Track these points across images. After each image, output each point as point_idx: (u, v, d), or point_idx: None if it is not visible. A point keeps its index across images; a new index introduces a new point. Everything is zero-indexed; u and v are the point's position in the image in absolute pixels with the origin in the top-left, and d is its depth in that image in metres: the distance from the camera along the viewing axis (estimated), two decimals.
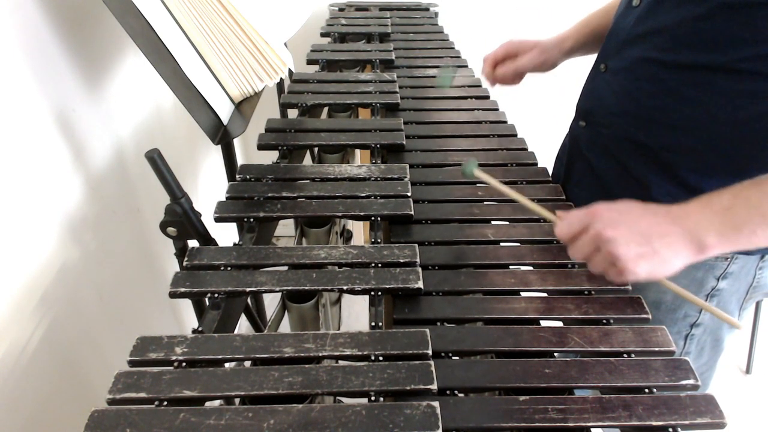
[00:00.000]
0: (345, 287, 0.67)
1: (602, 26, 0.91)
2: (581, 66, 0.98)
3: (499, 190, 0.74)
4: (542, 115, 1.75)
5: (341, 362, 0.58)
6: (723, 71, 0.69)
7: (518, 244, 0.78)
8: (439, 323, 0.65)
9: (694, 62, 0.71)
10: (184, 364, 0.57)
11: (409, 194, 0.83)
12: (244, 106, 0.97)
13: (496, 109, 1.11)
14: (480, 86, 1.20)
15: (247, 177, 0.86)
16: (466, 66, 1.30)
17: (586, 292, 0.70)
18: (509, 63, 0.99)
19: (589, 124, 0.89)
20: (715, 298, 0.84)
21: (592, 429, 0.54)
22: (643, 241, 0.60)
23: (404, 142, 0.96)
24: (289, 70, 1.08)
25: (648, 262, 0.60)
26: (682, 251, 0.60)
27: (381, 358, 0.58)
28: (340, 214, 0.80)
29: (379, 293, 0.67)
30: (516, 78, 1.01)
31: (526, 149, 0.99)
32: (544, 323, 0.66)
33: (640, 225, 0.61)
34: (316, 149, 1.17)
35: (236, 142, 1.10)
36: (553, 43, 0.99)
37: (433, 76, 1.25)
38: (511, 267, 0.74)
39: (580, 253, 0.63)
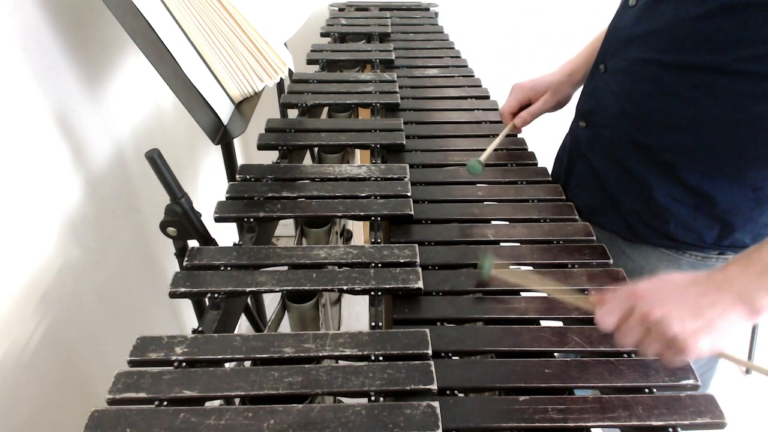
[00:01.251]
0: (345, 287, 0.67)
1: None
2: None
3: (530, 286, 0.69)
4: (542, 116, 1.75)
5: (341, 362, 0.58)
6: (722, 72, 0.69)
7: (518, 244, 0.78)
8: (439, 323, 0.65)
9: (693, 63, 0.71)
10: (184, 364, 0.57)
11: (409, 194, 0.83)
12: (244, 106, 0.97)
13: (496, 109, 1.11)
14: (480, 86, 1.20)
15: (247, 177, 0.86)
16: (466, 66, 1.30)
17: (585, 292, 0.70)
18: (524, 111, 0.98)
19: (589, 125, 0.89)
20: None
21: (592, 429, 0.54)
22: (697, 314, 0.56)
23: (404, 142, 0.96)
24: (289, 70, 1.08)
25: (706, 335, 0.55)
26: (736, 318, 0.56)
27: (381, 358, 0.58)
28: (340, 214, 0.80)
29: (379, 293, 0.67)
30: (533, 119, 1.00)
31: (526, 149, 0.99)
32: (544, 323, 0.66)
33: (688, 299, 0.57)
34: (316, 149, 1.17)
35: (236, 142, 1.10)
36: (563, 80, 0.98)
37: (434, 76, 1.25)
38: (511, 267, 0.74)
39: (630, 340, 0.58)
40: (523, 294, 0.70)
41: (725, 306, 0.56)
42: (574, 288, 0.67)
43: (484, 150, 0.98)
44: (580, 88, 0.94)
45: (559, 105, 1.00)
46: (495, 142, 0.93)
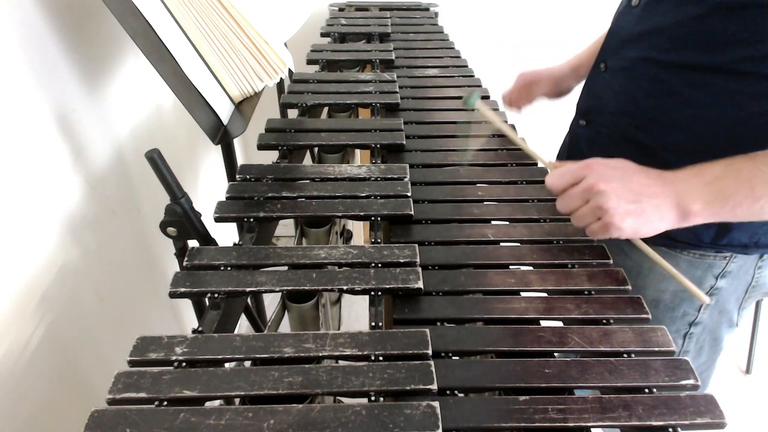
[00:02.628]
0: (345, 287, 0.67)
1: None
2: None
3: (498, 127, 0.75)
4: (542, 114, 1.75)
5: (341, 362, 0.58)
6: (722, 72, 0.69)
7: (518, 244, 0.78)
8: (439, 323, 0.65)
9: (692, 62, 0.71)
10: (184, 364, 0.57)
11: (409, 194, 0.83)
12: (244, 106, 0.97)
13: (496, 109, 1.11)
14: (480, 86, 1.20)
15: (247, 177, 0.86)
16: (466, 66, 1.30)
17: (586, 292, 0.70)
18: (525, 94, 1.03)
19: (589, 124, 0.89)
20: (713, 297, 0.84)
21: (592, 429, 0.54)
22: (634, 198, 0.61)
23: (404, 142, 0.96)
24: (289, 70, 1.08)
25: (634, 219, 0.61)
26: (667, 214, 0.62)
27: (381, 358, 0.58)
28: (340, 214, 0.80)
29: (379, 293, 0.67)
30: (530, 104, 1.04)
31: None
32: (544, 323, 0.66)
33: (633, 183, 0.62)
34: (316, 149, 1.17)
35: (236, 142, 1.10)
36: (567, 73, 1.01)
37: (434, 76, 1.25)
38: (511, 267, 0.74)
39: (568, 206, 0.65)
40: (523, 294, 0.70)
41: (662, 200, 0.61)
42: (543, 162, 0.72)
43: (484, 150, 0.99)
44: (581, 88, 0.94)
45: (560, 94, 1.03)
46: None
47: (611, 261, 0.74)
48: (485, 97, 1.16)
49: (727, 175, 0.61)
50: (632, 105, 0.79)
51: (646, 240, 0.82)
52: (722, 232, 0.78)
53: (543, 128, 1.31)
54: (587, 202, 0.63)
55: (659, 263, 0.69)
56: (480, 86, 1.20)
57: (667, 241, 0.82)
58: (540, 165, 0.88)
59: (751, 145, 0.71)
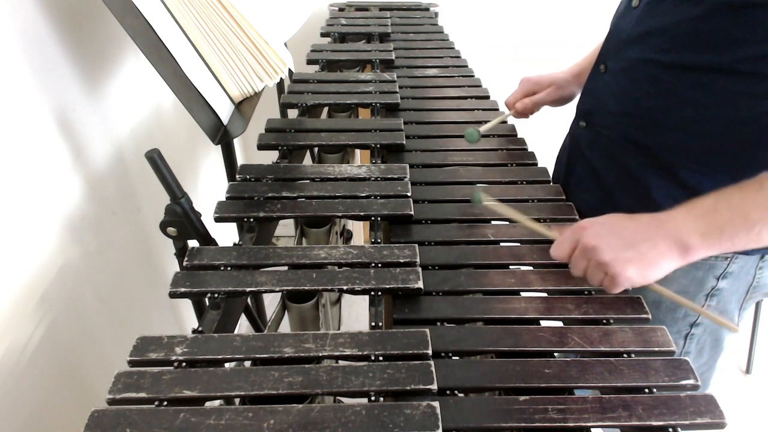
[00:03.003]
0: (345, 287, 0.67)
1: None
2: None
3: (508, 216, 0.76)
4: (542, 115, 1.75)
5: (341, 362, 0.58)
6: (722, 72, 0.69)
7: (518, 244, 0.78)
8: (439, 323, 0.65)
9: (692, 63, 0.71)
10: (184, 364, 0.57)
11: (409, 194, 0.83)
12: (244, 106, 0.97)
13: (496, 109, 1.11)
14: (480, 86, 1.20)
15: (247, 177, 0.86)
16: (466, 66, 1.30)
17: (586, 292, 0.70)
18: (527, 98, 1.03)
19: (589, 125, 0.89)
20: (715, 298, 0.84)
21: (592, 429, 0.54)
22: (628, 246, 0.62)
23: (404, 142, 0.96)
24: (289, 70, 1.08)
25: (636, 266, 0.62)
26: (667, 253, 0.62)
27: (381, 358, 0.58)
28: (340, 214, 0.80)
29: (379, 293, 0.67)
30: (534, 109, 1.04)
31: (526, 149, 0.99)
32: (544, 323, 0.66)
33: (624, 232, 0.63)
34: (316, 149, 1.17)
35: (236, 142, 1.10)
36: (569, 79, 1.01)
37: (434, 76, 1.25)
38: (511, 267, 0.74)
39: (577, 270, 0.66)
40: (523, 294, 0.70)
41: (659, 241, 0.62)
42: (547, 230, 0.73)
43: (483, 150, 0.99)
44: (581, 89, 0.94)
45: (562, 101, 1.03)
46: (496, 120, 0.98)
47: None
48: (484, 98, 1.16)
49: (719, 207, 0.62)
50: (632, 106, 0.79)
51: None
52: None
53: (543, 130, 1.31)
54: (590, 262, 0.64)
55: (685, 304, 0.70)
56: (480, 86, 1.20)
57: None
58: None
59: (751, 145, 0.71)
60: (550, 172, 0.95)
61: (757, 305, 1.76)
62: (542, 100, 1.03)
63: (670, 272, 0.63)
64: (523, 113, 1.05)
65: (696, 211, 0.63)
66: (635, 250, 0.62)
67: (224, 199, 0.81)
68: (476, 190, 0.80)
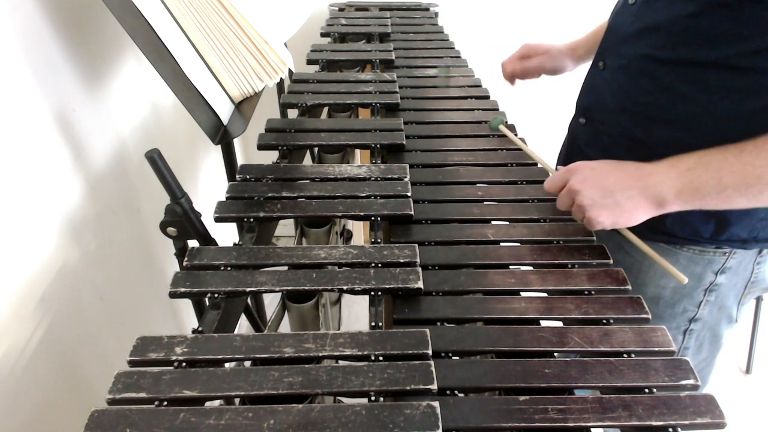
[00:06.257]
0: (345, 287, 0.67)
1: None
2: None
3: (519, 146, 0.88)
4: (542, 114, 1.75)
5: (341, 362, 0.58)
6: (717, 67, 0.69)
7: (518, 244, 0.78)
8: (439, 323, 0.65)
9: (688, 59, 0.71)
10: (184, 364, 0.57)
11: (409, 194, 0.83)
12: (244, 106, 0.97)
13: (496, 109, 1.11)
14: (480, 86, 1.20)
15: (247, 177, 0.86)
16: (466, 66, 1.30)
17: (586, 292, 0.70)
18: (518, 62, 1.08)
19: (588, 121, 0.89)
20: (713, 293, 0.85)
21: (592, 429, 0.54)
22: (606, 194, 0.69)
23: (404, 142, 0.96)
24: (289, 70, 1.08)
25: (610, 212, 0.69)
26: (642, 204, 0.68)
27: (381, 358, 0.58)
28: (340, 214, 0.80)
29: (379, 293, 0.67)
30: (526, 75, 1.10)
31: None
32: (544, 323, 0.66)
33: (607, 180, 0.70)
34: (316, 149, 1.17)
35: (236, 142, 1.10)
36: (565, 51, 1.05)
37: (434, 76, 1.25)
38: (511, 267, 0.74)
39: (562, 205, 0.74)
40: (523, 294, 0.70)
41: (635, 192, 0.68)
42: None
43: (483, 150, 0.98)
44: (581, 86, 0.94)
45: (553, 71, 1.08)
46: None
47: (611, 261, 0.74)
48: (484, 98, 1.16)
49: (698, 166, 0.66)
50: (630, 102, 0.80)
51: (643, 233, 0.83)
52: (721, 228, 0.78)
53: (543, 129, 1.31)
54: (573, 202, 0.72)
55: (642, 248, 0.75)
56: (480, 86, 1.20)
57: (667, 237, 0.82)
58: (540, 166, 0.92)
59: (745, 140, 0.71)
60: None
61: (757, 305, 1.76)
62: (533, 66, 1.08)
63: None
64: (512, 75, 1.10)
65: (678, 167, 0.67)
66: (613, 198, 0.69)
67: (224, 199, 0.81)
68: (496, 116, 0.91)
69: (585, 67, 0.92)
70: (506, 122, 0.94)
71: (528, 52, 1.09)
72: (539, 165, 0.87)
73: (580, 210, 0.71)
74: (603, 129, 0.86)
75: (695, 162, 0.66)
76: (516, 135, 0.94)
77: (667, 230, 0.81)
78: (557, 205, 0.75)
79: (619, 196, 0.68)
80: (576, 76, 0.99)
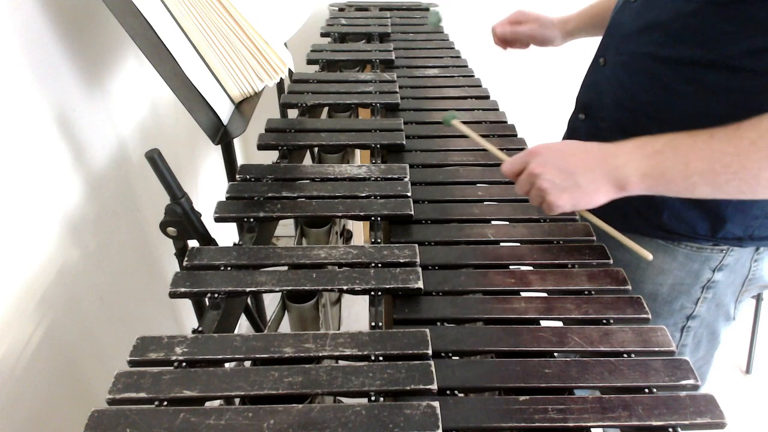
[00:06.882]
0: (345, 287, 0.67)
1: (605, 11, 0.94)
2: (581, 59, 0.98)
3: (474, 140, 0.82)
4: (543, 113, 1.75)
5: (341, 362, 0.58)
6: (714, 67, 0.70)
7: (518, 244, 0.78)
8: (439, 323, 0.65)
9: (687, 58, 0.72)
10: (184, 364, 0.57)
11: (409, 194, 0.83)
12: (244, 106, 0.97)
13: (496, 109, 1.11)
14: (480, 86, 1.20)
15: (247, 177, 0.86)
16: (466, 66, 1.30)
17: (586, 292, 0.70)
18: (508, 26, 1.10)
19: (588, 117, 0.90)
20: (711, 290, 0.85)
21: (592, 429, 0.54)
22: (567, 177, 0.66)
23: (404, 142, 0.96)
24: (289, 70, 1.08)
25: (570, 195, 0.66)
26: (604, 188, 0.66)
27: (381, 358, 0.58)
28: (340, 214, 0.80)
29: (379, 293, 0.67)
30: (516, 41, 1.11)
31: (526, 149, 0.99)
32: (544, 323, 0.66)
33: (568, 162, 0.67)
34: (316, 149, 1.17)
35: (236, 142, 1.10)
36: (555, 22, 1.06)
37: (434, 76, 1.25)
38: (511, 267, 0.74)
39: (520, 189, 0.70)
40: (523, 294, 0.70)
41: (597, 174, 0.65)
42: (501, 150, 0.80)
43: (483, 150, 0.98)
44: (581, 81, 0.94)
45: (542, 40, 1.09)
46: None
47: (611, 261, 0.74)
48: (484, 98, 1.16)
49: (666, 150, 0.64)
50: (629, 99, 0.80)
51: (641, 229, 0.83)
52: (717, 225, 0.78)
53: (543, 129, 1.31)
54: (533, 185, 0.68)
55: (603, 228, 0.73)
56: (480, 86, 1.20)
57: (664, 233, 0.82)
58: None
59: None
60: None
61: (757, 305, 1.76)
62: (523, 32, 1.09)
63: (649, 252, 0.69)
64: (502, 39, 1.11)
65: (645, 150, 0.65)
66: (573, 180, 0.66)
67: (224, 199, 0.81)
68: (449, 113, 0.86)
69: (586, 63, 0.92)
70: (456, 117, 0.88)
71: (519, 18, 1.09)
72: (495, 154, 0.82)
73: (539, 194, 0.68)
74: (602, 125, 0.86)
75: (664, 144, 0.64)
76: (467, 126, 0.87)
77: (665, 226, 0.81)
78: (515, 189, 0.72)
79: (580, 177, 0.66)
80: (576, 72, 1.00)
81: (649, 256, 0.71)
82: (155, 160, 0.68)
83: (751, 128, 0.60)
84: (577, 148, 0.68)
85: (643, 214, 0.83)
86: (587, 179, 0.66)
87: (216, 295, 0.66)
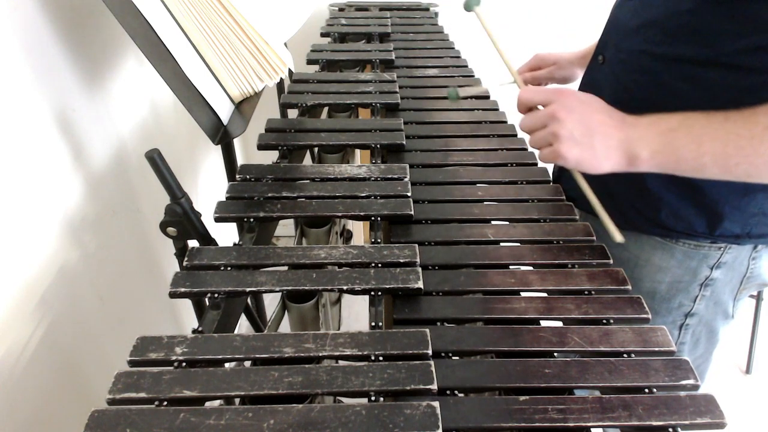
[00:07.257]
0: (345, 287, 0.67)
1: None
2: None
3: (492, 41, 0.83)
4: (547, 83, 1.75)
5: (341, 362, 0.58)
6: (710, 65, 0.70)
7: (518, 244, 0.78)
8: (439, 323, 0.65)
9: (683, 55, 0.72)
10: (184, 364, 0.57)
11: (409, 194, 0.83)
12: (244, 106, 0.97)
13: (496, 109, 1.11)
14: (480, 86, 1.20)
15: (247, 177, 0.86)
16: (466, 66, 1.30)
17: (586, 292, 0.70)
18: (528, 74, 1.10)
19: None
20: (709, 288, 0.85)
21: (592, 429, 0.54)
22: (586, 133, 0.65)
23: (404, 142, 0.96)
24: (289, 70, 1.08)
25: (581, 152, 0.65)
26: (614, 155, 0.65)
27: (381, 358, 0.58)
28: (340, 214, 0.80)
29: (379, 293, 0.67)
30: (539, 82, 1.11)
31: (526, 149, 0.99)
32: (544, 323, 0.66)
33: (592, 119, 0.66)
34: (316, 149, 1.17)
35: (236, 142, 1.10)
36: (574, 61, 1.06)
37: (434, 76, 1.25)
38: (511, 267, 0.74)
39: (529, 125, 0.69)
40: (523, 294, 0.70)
41: (612, 142, 0.65)
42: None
43: (483, 150, 0.98)
44: (580, 80, 0.95)
45: (563, 80, 1.08)
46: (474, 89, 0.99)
47: (611, 261, 0.74)
48: (484, 98, 1.16)
49: (680, 128, 0.63)
50: (627, 97, 0.80)
51: (639, 226, 0.83)
52: (714, 223, 0.79)
53: None
54: (546, 126, 0.67)
55: (589, 197, 0.72)
56: (480, 86, 1.20)
57: (662, 231, 0.82)
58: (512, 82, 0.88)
59: None
60: (550, 172, 0.95)
61: (757, 305, 1.76)
62: (543, 77, 1.08)
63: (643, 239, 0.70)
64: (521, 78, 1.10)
65: (660, 126, 0.64)
66: (590, 139, 0.65)
67: (224, 199, 0.81)
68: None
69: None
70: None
71: (538, 64, 1.09)
72: (512, 78, 0.81)
73: (549, 138, 0.66)
74: None
75: (678, 123, 0.64)
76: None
77: (663, 224, 0.81)
78: (521, 123, 0.70)
79: (597, 139, 0.65)
80: None
81: (619, 239, 0.71)
82: (155, 160, 0.68)
83: (767, 113, 0.61)
84: (603, 108, 0.67)
85: (641, 212, 0.83)
86: (603, 144, 0.65)
87: (216, 295, 0.66)
